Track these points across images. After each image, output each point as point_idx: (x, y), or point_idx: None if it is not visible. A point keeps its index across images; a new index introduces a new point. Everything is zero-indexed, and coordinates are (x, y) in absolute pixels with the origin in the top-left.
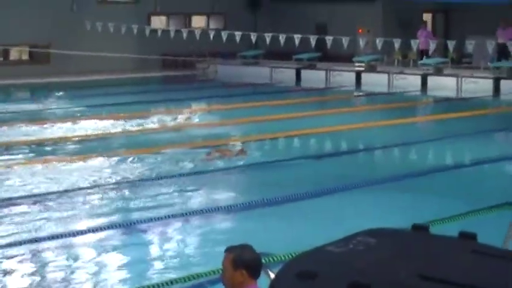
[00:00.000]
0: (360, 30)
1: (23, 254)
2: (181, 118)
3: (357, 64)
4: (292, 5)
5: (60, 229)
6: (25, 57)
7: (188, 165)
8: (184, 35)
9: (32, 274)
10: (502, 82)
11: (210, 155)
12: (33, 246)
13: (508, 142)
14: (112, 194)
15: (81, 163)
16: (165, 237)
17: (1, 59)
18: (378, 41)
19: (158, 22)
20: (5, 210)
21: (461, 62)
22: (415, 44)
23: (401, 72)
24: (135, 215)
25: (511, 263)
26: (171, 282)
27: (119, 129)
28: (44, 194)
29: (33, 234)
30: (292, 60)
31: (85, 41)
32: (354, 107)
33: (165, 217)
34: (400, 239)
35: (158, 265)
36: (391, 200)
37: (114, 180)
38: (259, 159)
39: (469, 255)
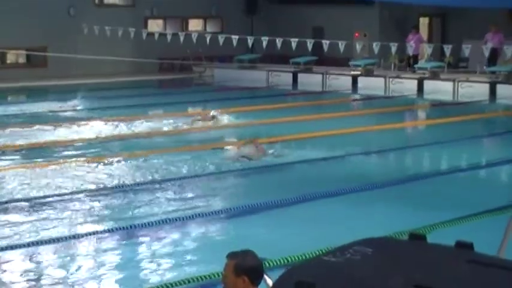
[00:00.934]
0: (357, 34)
1: (20, 258)
2: (184, 122)
3: (353, 68)
4: (289, 9)
5: (86, 229)
6: (22, 60)
7: (190, 168)
8: (181, 38)
9: (27, 278)
10: (498, 86)
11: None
12: (34, 248)
13: (504, 146)
14: (121, 196)
15: (86, 166)
16: (159, 242)
17: None
18: (374, 45)
19: (155, 26)
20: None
21: (457, 66)
22: (411, 48)
23: (397, 76)
24: (138, 219)
25: (508, 273)
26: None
27: (117, 132)
28: (59, 195)
29: (39, 236)
30: (289, 63)
31: (82, 44)
32: (351, 110)
33: (163, 221)
34: (397, 248)
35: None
36: (388, 205)
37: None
38: (256, 164)
39: (465, 264)
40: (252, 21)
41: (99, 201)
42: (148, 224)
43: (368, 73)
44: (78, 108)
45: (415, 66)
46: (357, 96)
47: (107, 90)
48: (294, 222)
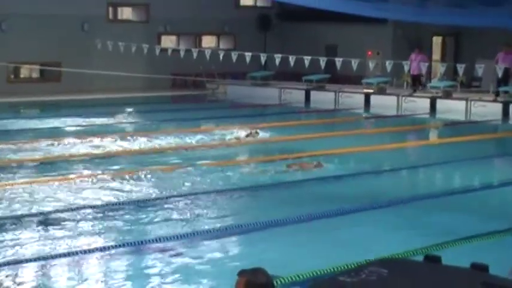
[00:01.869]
0: (370, 53)
1: (29, 272)
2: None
3: (366, 86)
4: (302, 27)
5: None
6: (36, 75)
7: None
8: (195, 54)
9: None
10: (511, 106)
11: (290, 167)
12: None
13: None
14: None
15: (107, 179)
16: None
17: (12, 76)
18: (387, 63)
19: (168, 42)
20: (6, 229)
21: (470, 85)
22: (424, 66)
23: (410, 95)
24: (147, 234)
25: None
26: None
27: (135, 147)
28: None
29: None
30: (302, 81)
31: (95, 59)
32: (363, 129)
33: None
34: (412, 269)
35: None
36: (401, 224)
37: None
38: (269, 181)
39: (480, 287)
40: (265, 39)
41: (149, 211)
42: (158, 239)
43: (381, 91)
44: (92, 122)
45: (429, 85)
46: (369, 115)
47: (118, 106)
48: (308, 240)
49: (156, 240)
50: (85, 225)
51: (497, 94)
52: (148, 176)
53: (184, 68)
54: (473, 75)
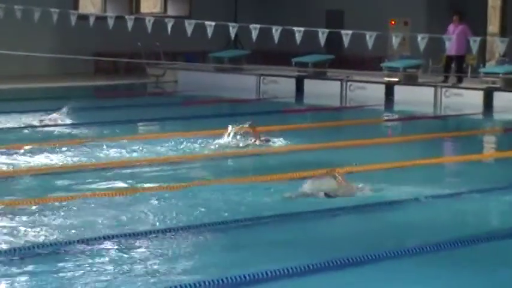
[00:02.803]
0: (393, 22)
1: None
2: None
3: (387, 72)
4: None
5: None
6: None
7: None
8: (129, 24)
9: None
10: None
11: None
12: None
13: None
14: None
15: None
16: None
17: None
18: (419, 38)
19: (90, 5)
20: None
21: None
22: (474, 43)
23: (454, 86)
24: None
25: None
26: None
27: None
28: None
29: None
30: (291, 65)
31: None
32: (384, 137)
33: None
34: None
35: None
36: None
37: None
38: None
39: None
40: (235, 1)
41: None
42: None
43: (410, 80)
44: None
45: (481, 71)
46: (393, 115)
47: (11, 103)
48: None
49: None
50: None
51: None
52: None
53: (113, 45)
54: None
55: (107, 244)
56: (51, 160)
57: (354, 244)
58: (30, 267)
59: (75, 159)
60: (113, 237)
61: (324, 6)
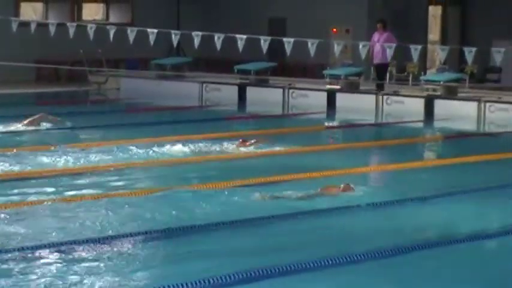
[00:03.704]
0: (334, 30)
1: None
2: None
3: (329, 80)
4: None
5: None
6: None
7: None
8: (71, 31)
9: None
10: None
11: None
12: None
13: None
14: None
15: None
16: None
17: None
18: (361, 46)
19: (31, 11)
20: None
21: (484, 79)
22: (416, 51)
23: (396, 93)
24: None
25: None
26: None
27: None
28: None
29: None
30: (234, 72)
31: None
32: (325, 144)
33: None
34: None
35: None
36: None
37: None
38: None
39: None
40: (178, 8)
41: None
42: None
43: (351, 88)
44: None
45: (422, 78)
46: (334, 123)
47: None
48: None
49: None
50: None
51: None
52: None
53: (55, 52)
54: (488, 65)
55: (46, 253)
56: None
57: (296, 251)
58: None
59: (15, 167)
60: (52, 245)
61: (267, 14)
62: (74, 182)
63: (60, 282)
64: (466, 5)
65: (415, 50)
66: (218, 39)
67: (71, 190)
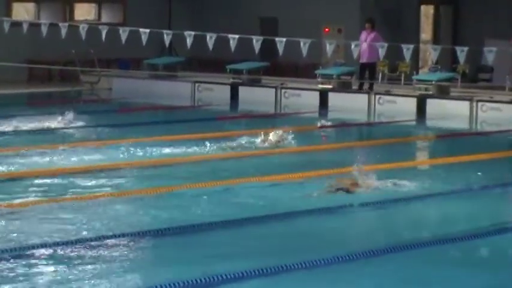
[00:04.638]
0: (327, 30)
1: None
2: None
3: (322, 80)
4: None
5: None
6: None
7: None
8: (63, 31)
9: None
10: None
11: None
12: None
13: None
14: None
15: None
16: None
17: None
18: (353, 45)
19: (23, 11)
20: None
21: (476, 78)
22: (408, 50)
23: (387, 93)
24: None
25: None
26: None
27: None
28: None
29: None
30: (226, 72)
31: None
32: (319, 144)
33: None
34: None
35: None
36: None
37: None
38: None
39: None
40: (170, 8)
41: None
42: None
43: (344, 87)
44: None
45: (414, 78)
46: (327, 122)
47: None
48: None
49: None
50: None
51: None
52: None
53: (47, 52)
54: (480, 64)
55: (34, 254)
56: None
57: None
58: None
59: (10, 167)
60: (40, 246)
61: (258, 14)
62: (66, 182)
63: (48, 284)
64: (458, 5)
65: (407, 50)
66: (210, 38)
67: (63, 190)
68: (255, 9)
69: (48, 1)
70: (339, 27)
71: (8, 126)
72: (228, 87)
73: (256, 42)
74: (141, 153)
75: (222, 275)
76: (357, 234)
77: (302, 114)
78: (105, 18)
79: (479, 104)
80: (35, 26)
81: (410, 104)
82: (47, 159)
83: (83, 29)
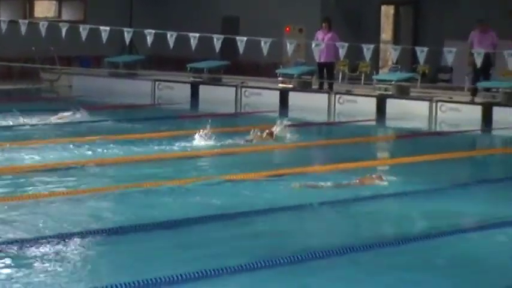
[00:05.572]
0: (288, 29)
1: None
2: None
3: (282, 79)
4: None
5: None
6: None
7: None
8: (23, 29)
9: None
10: (495, 110)
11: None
12: None
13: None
14: None
15: None
16: None
17: None
18: (313, 45)
19: None
20: None
21: (436, 79)
22: (368, 50)
23: (348, 93)
24: None
25: None
26: None
27: None
28: None
29: None
30: (186, 70)
31: None
32: (279, 144)
33: None
34: None
35: None
36: None
37: None
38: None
39: None
40: (131, 6)
41: None
42: None
43: (304, 87)
44: None
45: (374, 78)
46: (286, 122)
47: None
48: None
49: None
50: None
51: (474, 92)
52: None
53: (7, 49)
54: (440, 64)
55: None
56: None
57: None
58: None
59: None
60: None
61: (220, 13)
62: (24, 180)
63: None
64: (418, 5)
65: (367, 50)
66: (171, 37)
67: (19, 188)
68: (216, 8)
69: None
70: (300, 27)
71: None
72: (189, 86)
73: (217, 41)
74: (100, 151)
75: (187, 273)
76: (312, 234)
77: (262, 113)
78: (65, 16)
79: (439, 104)
80: None
81: (371, 103)
82: (4, 156)
83: (43, 26)
